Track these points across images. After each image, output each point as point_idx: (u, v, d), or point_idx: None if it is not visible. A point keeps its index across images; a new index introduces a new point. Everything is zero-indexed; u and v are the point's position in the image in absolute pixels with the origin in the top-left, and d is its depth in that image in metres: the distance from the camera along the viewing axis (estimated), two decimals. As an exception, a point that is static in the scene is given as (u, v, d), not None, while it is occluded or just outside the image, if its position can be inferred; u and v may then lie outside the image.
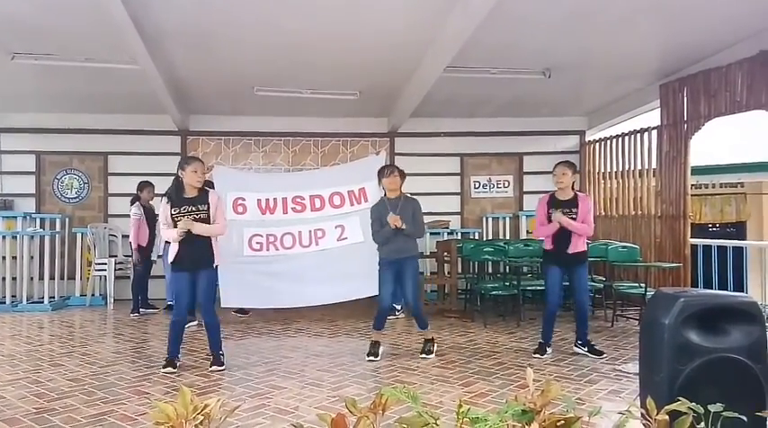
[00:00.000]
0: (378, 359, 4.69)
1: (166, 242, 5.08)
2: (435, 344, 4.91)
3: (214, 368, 4.40)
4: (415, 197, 5.07)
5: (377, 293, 6.66)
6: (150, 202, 7.26)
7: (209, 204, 4.42)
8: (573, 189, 4.91)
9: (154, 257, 7.32)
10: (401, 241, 4.77)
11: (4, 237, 7.64)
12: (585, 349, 4.84)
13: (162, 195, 4.61)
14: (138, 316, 6.92)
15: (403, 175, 5.05)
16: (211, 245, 4.45)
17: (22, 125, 8.22)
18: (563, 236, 4.79)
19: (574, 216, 4.77)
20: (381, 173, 5.01)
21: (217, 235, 4.50)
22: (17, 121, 8.20)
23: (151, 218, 7.13)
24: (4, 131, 8.23)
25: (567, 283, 4.98)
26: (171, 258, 4.44)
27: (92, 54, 5.88)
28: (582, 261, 4.89)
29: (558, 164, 4.98)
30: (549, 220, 4.84)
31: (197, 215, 4.36)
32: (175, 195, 4.41)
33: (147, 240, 7.08)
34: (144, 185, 7.25)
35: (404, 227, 4.70)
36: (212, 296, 4.74)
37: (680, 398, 1.73)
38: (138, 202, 7.11)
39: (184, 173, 4.40)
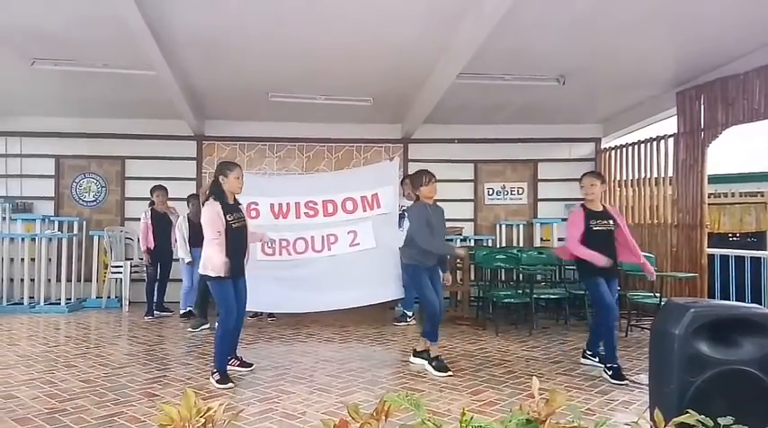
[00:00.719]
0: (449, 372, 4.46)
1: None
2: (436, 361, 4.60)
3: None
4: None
5: (388, 299, 6.72)
6: (164, 207, 7.37)
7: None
8: (600, 201, 4.75)
9: (175, 256, 7.34)
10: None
11: (23, 240, 7.79)
12: (596, 359, 4.74)
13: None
14: (152, 319, 6.99)
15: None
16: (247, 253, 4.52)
17: (42, 129, 8.38)
18: (608, 250, 4.59)
19: (612, 228, 4.66)
20: (419, 179, 4.85)
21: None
22: (37, 126, 8.36)
23: (162, 222, 7.25)
24: (24, 135, 8.39)
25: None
26: (223, 271, 4.08)
27: (110, 60, 5.98)
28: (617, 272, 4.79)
29: (586, 174, 4.83)
30: (587, 233, 4.58)
31: (244, 222, 4.38)
32: (223, 200, 4.26)
33: (155, 243, 7.18)
34: (154, 189, 7.38)
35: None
36: None
37: (689, 411, 1.70)
38: (151, 207, 7.27)
39: (227, 179, 4.28)
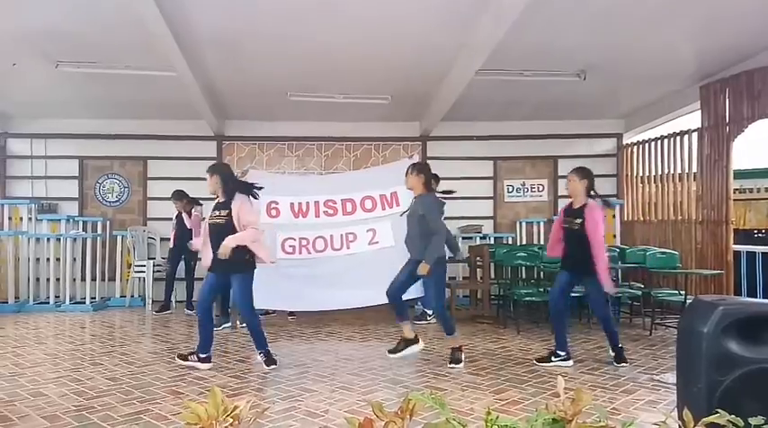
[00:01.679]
0: (461, 364, 4.59)
1: None
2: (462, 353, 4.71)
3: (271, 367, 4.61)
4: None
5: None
6: (193, 210, 7.52)
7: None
8: (589, 195, 4.64)
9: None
10: None
11: (48, 240, 7.93)
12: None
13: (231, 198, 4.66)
14: (157, 314, 7.20)
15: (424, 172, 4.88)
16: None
17: (66, 131, 8.53)
18: (574, 249, 4.66)
19: (576, 227, 4.59)
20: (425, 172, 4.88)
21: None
22: (61, 127, 8.51)
23: (181, 223, 7.45)
24: (49, 137, 8.55)
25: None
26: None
27: (132, 62, 6.06)
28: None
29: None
30: (565, 229, 4.70)
31: (220, 219, 4.65)
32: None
33: (175, 242, 7.39)
34: (179, 196, 7.53)
35: None
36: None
37: (719, 411, 1.67)
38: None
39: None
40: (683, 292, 6.05)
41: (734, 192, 6.65)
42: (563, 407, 1.56)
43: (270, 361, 4.59)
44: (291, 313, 7.04)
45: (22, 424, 3.26)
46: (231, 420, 1.64)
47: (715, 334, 2.51)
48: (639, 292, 6.71)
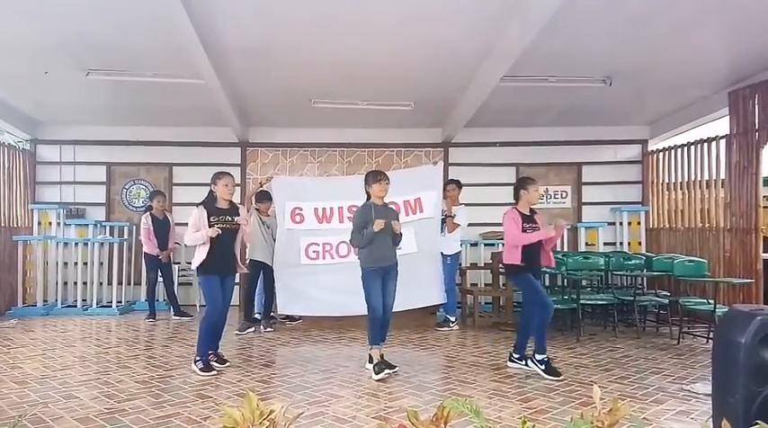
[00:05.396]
0: (394, 370, 4.59)
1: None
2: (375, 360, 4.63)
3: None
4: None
5: (430, 303, 6.70)
6: (165, 212, 7.61)
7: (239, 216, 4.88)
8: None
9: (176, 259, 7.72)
10: (390, 248, 4.79)
11: (76, 244, 8.09)
12: (523, 363, 4.77)
13: (197, 204, 4.80)
14: (153, 322, 7.21)
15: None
16: (235, 254, 4.88)
17: (94, 138, 8.69)
18: (535, 253, 4.82)
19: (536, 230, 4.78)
20: (376, 178, 4.82)
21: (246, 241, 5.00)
22: (90, 134, 8.68)
23: (162, 226, 7.49)
24: (77, 143, 8.72)
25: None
26: (197, 263, 4.69)
27: (160, 70, 6.17)
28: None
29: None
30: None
31: (231, 224, 4.79)
32: (212, 205, 4.79)
33: (156, 248, 7.40)
34: (155, 194, 7.62)
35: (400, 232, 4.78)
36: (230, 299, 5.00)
37: (759, 422, 1.64)
38: (149, 213, 7.48)
39: (216, 187, 4.80)
40: (711, 301, 5.94)
41: (763, 200, 6.52)
42: (600, 417, 1.55)
43: (221, 360, 4.89)
44: (291, 317, 7.10)
45: (57, 427, 3.32)
46: (267, 424, 1.66)
47: (753, 345, 2.48)
48: (667, 301, 6.62)
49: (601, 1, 4.53)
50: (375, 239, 4.63)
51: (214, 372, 4.56)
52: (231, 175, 4.93)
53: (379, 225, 4.55)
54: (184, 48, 5.19)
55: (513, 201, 4.92)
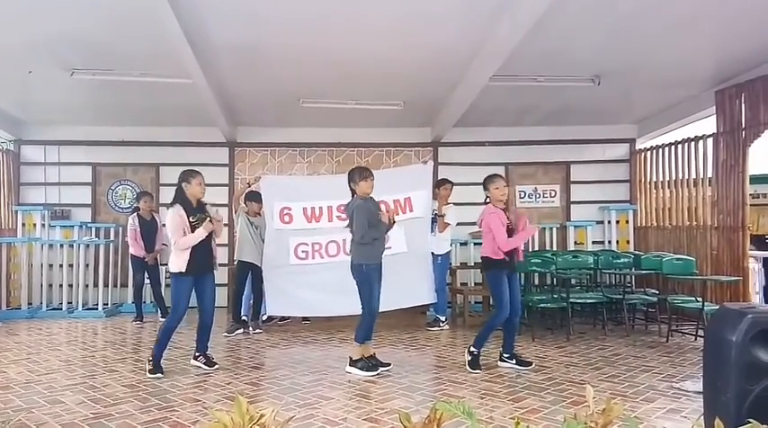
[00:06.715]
0: (388, 367, 4.66)
1: None
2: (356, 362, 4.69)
3: (196, 363, 4.82)
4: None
5: (420, 303, 6.68)
6: (152, 213, 7.57)
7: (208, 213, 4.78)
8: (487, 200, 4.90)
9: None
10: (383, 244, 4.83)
11: (61, 246, 7.98)
12: (514, 361, 4.83)
13: (169, 205, 4.71)
14: (140, 324, 7.16)
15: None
16: (212, 249, 4.84)
17: (79, 138, 8.57)
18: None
19: (512, 228, 4.84)
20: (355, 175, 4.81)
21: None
22: (75, 134, 8.56)
23: (149, 227, 7.44)
24: (62, 144, 8.60)
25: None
26: (182, 267, 4.54)
27: (146, 69, 6.09)
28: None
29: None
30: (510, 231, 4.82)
31: (213, 221, 4.72)
32: (188, 205, 4.67)
33: (142, 250, 7.35)
34: (141, 195, 7.59)
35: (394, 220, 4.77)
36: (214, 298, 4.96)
37: (750, 420, 1.63)
38: (136, 214, 7.44)
39: (189, 185, 4.71)
40: (699, 299, 5.98)
41: (749, 198, 6.57)
42: (593, 417, 1.54)
43: (210, 363, 4.82)
44: (305, 318, 7.03)
45: (41, 432, 3.25)
46: (257, 428, 1.63)
47: (744, 343, 2.48)
48: (655, 299, 6.66)
49: (590, 1, 4.54)
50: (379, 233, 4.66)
51: (160, 375, 4.48)
52: (201, 174, 4.86)
53: (390, 214, 4.62)
54: (171, 45, 5.12)
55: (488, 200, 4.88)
